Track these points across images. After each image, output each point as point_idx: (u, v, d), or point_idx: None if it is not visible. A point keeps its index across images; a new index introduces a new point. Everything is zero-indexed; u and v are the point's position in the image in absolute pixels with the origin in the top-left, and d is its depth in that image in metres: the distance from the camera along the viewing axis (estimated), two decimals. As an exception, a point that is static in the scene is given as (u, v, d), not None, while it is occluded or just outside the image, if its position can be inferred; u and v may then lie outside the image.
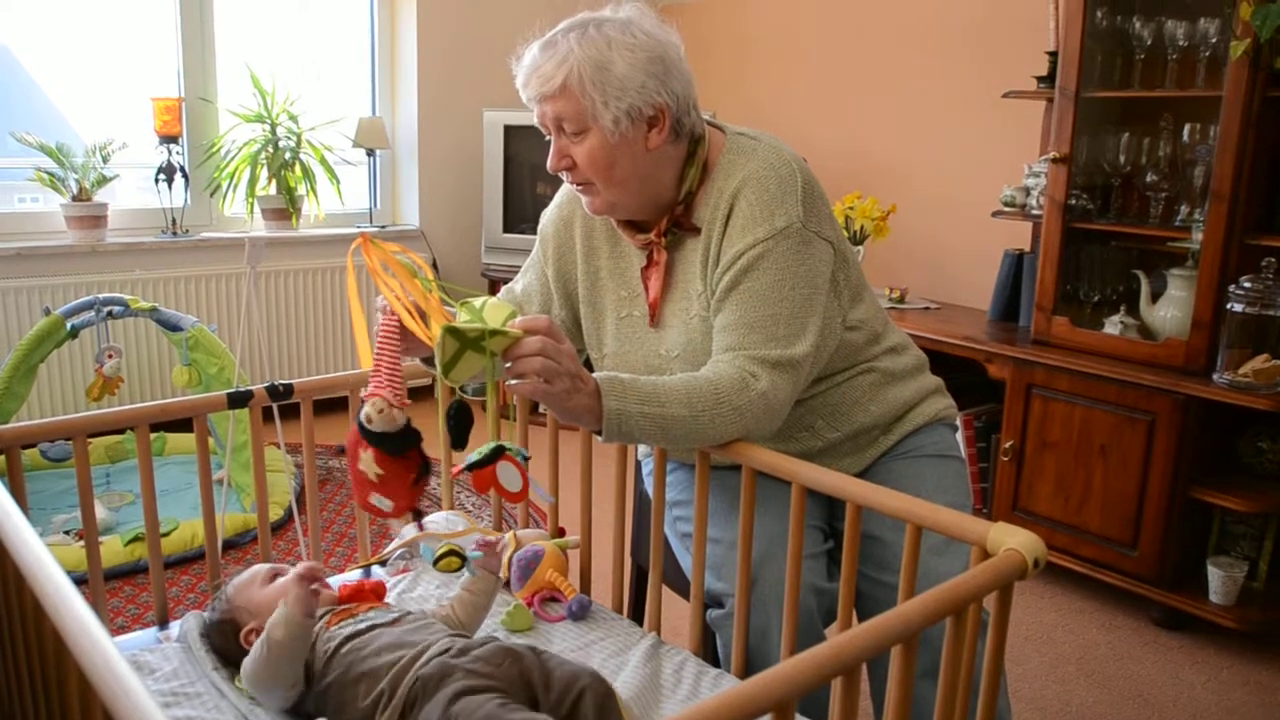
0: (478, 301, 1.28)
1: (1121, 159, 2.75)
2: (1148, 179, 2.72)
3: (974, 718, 1.17)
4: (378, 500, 1.35)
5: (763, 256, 1.42)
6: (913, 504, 1.24)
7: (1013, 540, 1.10)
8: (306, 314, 4.08)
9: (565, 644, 1.60)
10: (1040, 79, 2.99)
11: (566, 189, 1.65)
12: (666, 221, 1.51)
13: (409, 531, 1.74)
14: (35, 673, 1.08)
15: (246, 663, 1.34)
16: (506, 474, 1.24)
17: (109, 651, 0.82)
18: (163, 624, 1.62)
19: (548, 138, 1.47)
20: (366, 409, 1.32)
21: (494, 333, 1.20)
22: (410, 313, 1.25)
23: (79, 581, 1.04)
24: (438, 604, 1.53)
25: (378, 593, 1.55)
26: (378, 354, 1.32)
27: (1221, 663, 2.43)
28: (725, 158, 1.50)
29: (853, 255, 1.58)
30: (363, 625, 1.40)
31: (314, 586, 1.34)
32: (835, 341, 1.55)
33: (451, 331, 1.17)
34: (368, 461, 1.33)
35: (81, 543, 2.67)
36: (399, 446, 1.32)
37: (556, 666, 1.31)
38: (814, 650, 0.86)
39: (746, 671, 1.50)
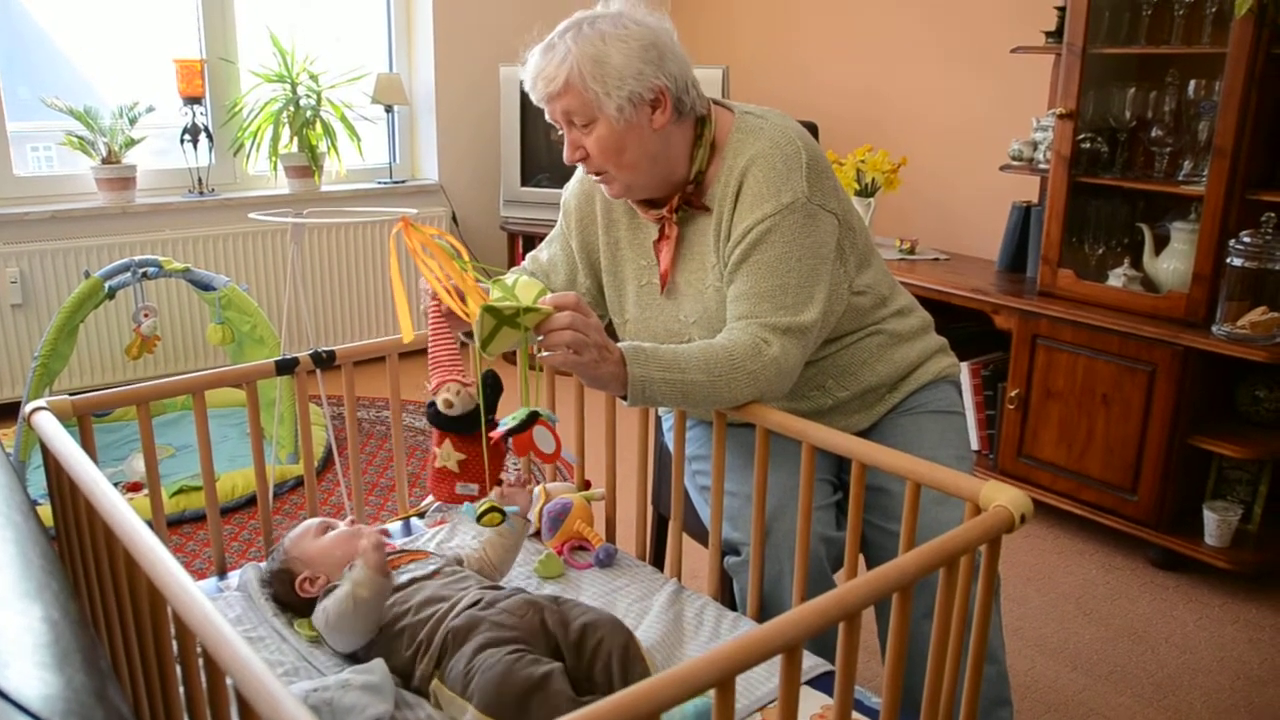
0: (509, 279, 1.38)
1: (1127, 114, 2.81)
2: (1153, 134, 2.77)
3: (968, 654, 1.29)
4: (463, 488, 1.46)
5: (770, 231, 1.51)
6: (913, 463, 1.34)
7: (1002, 497, 1.21)
8: (331, 269, 4.19)
9: (593, 590, 1.72)
10: (1048, 34, 3.02)
11: None
12: (678, 199, 1.60)
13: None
14: (126, 612, 1.21)
15: (329, 615, 1.45)
16: (541, 437, 1.36)
17: (204, 603, 0.94)
18: (221, 574, 1.76)
19: (560, 132, 1.57)
20: (442, 398, 1.43)
21: (527, 310, 1.31)
22: (449, 292, 1.36)
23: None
24: (471, 551, 1.66)
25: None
26: (433, 344, 1.42)
27: (1214, 601, 2.55)
28: (734, 137, 1.58)
29: (859, 222, 1.67)
30: (403, 579, 1.53)
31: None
32: (843, 306, 1.64)
33: (489, 310, 1.28)
34: (446, 453, 1.42)
35: (130, 495, 2.83)
36: (474, 424, 1.43)
37: (576, 615, 1.41)
38: (820, 599, 0.97)
39: (762, 614, 1.62)
